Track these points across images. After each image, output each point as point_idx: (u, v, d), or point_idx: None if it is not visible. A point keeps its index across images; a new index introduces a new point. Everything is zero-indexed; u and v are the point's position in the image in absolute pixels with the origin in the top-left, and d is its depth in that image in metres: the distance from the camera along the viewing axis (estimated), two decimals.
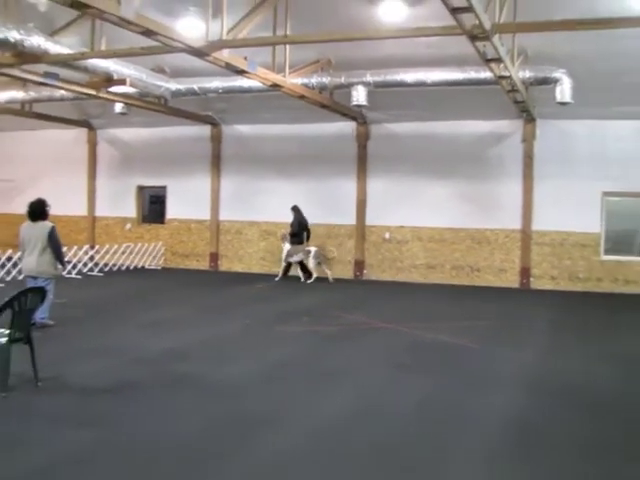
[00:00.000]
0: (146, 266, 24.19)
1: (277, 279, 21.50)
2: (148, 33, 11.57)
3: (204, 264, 24.61)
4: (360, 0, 14.15)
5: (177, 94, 19.03)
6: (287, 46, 15.37)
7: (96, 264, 22.72)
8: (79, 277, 20.82)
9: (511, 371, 10.40)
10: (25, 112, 22.12)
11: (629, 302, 18.49)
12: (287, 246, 21.42)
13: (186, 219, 24.98)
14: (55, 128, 25.34)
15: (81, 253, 21.97)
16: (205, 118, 23.33)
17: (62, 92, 19.16)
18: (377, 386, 9.49)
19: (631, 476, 6.33)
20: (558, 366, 10.79)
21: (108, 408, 8.11)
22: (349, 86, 17.62)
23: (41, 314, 11.97)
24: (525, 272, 20.80)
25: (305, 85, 17.35)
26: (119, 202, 25.84)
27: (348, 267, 22.70)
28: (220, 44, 12.86)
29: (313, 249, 21.23)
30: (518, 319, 15.45)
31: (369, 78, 17.36)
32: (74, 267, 21.10)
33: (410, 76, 17.05)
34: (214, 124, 24.01)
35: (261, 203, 22.98)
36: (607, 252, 20.29)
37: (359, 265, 22.56)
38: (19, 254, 13.23)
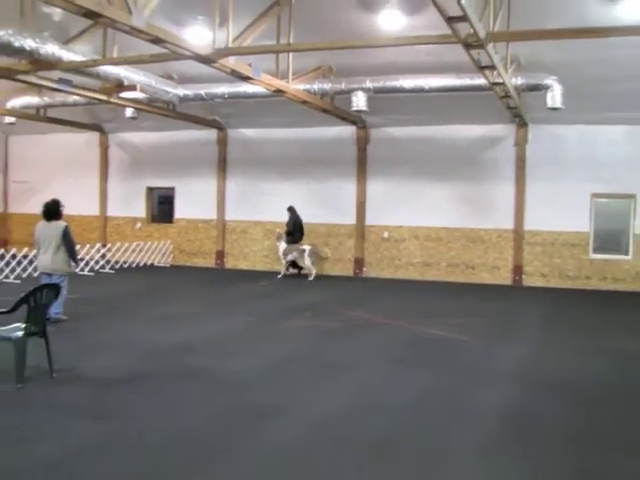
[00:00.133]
0: (155, 264, 24.21)
1: (279, 276, 21.52)
2: (157, 41, 11.58)
3: (210, 262, 24.63)
4: (360, 10, 14.18)
5: (185, 99, 19.07)
6: (290, 54, 15.40)
7: (107, 262, 22.75)
8: (91, 274, 20.83)
9: (506, 365, 10.40)
10: (40, 117, 22.16)
11: (616, 299, 18.50)
12: (283, 245, 21.47)
13: (193, 219, 24.99)
14: (68, 132, 25.37)
15: (93, 251, 22.00)
16: (211, 122, 23.33)
17: (75, 97, 19.22)
18: (377, 380, 9.48)
19: (622, 466, 6.32)
20: (551, 360, 10.81)
21: (120, 400, 8.13)
22: (349, 92, 17.63)
23: (55, 309, 12.01)
24: (517, 270, 20.80)
25: (307, 91, 17.36)
26: (129, 202, 25.88)
27: (348, 265, 22.73)
28: (226, 52, 12.87)
29: (307, 247, 21.27)
30: (512, 315, 15.45)
31: (369, 84, 17.37)
32: (87, 264, 21.10)
33: (408, 82, 17.06)
34: (220, 128, 24.01)
35: (265, 203, 23.00)
36: (596, 251, 20.30)
37: (359, 263, 22.57)
38: (34, 252, 13.24)
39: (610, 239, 20.45)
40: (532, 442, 6.88)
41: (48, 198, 13.02)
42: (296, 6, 13.80)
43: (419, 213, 21.72)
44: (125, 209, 26.03)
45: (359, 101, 17.56)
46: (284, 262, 21.68)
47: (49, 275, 12.42)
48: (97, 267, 21.84)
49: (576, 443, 6.90)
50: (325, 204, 22.71)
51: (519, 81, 16.10)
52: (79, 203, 24.72)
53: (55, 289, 9.23)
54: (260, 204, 23.30)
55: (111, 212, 26.36)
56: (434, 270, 21.76)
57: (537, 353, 11.36)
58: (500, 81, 14.46)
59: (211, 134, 24.27)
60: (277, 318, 14.09)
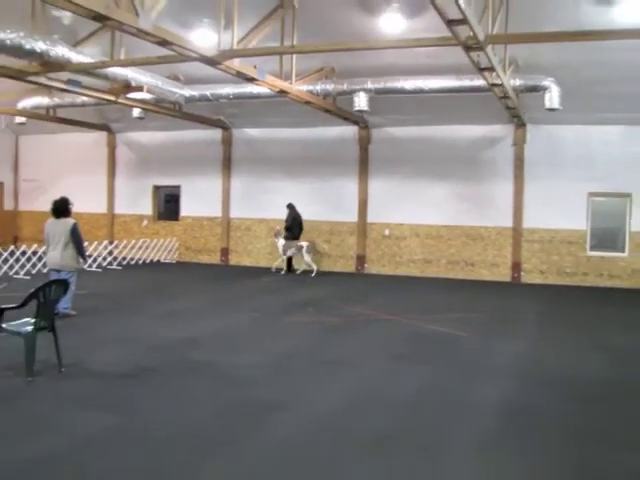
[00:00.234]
0: (161, 260, 24.25)
1: (282, 273, 21.58)
2: (164, 43, 11.61)
3: (215, 258, 24.67)
4: (362, 13, 14.18)
5: (191, 100, 19.10)
6: (294, 55, 15.40)
7: (115, 258, 22.79)
8: (99, 270, 20.88)
9: (504, 361, 10.42)
10: (49, 117, 22.21)
11: (613, 295, 18.51)
12: (281, 241, 21.53)
13: (199, 216, 25.03)
14: (77, 132, 25.41)
15: (101, 248, 22.04)
16: (217, 122, 23.35)
17: (84, 98, 19.28)
18: (378, 375, 9.49)
19: (619, 462, 6.34)
20: (549, 356, 10.81)
21: (126, 394, 8.16)
22: (351, 93, 17.64)
23: (64, 304, 12.05)
24: (516, 267, 20.81)
25: (310, 92, 17.37)
26: (136, 200, 25.93)
27: (350, 262, 22.76)
28: (231, 53, 12.89)
29: (305, 244, 21.32)
30: (510, 311, 15.45)
31: (370, 85, 17.38)
32: (94, 261, 21.16)
33: (409, 83, 17.07)
34: (225, 128, 24.03)
35: (269, 202, 23.01)
36: (592, 248, 20.30)
37: (360, 260, 22.59)
38: (44, 249, 13.27)
39: (607, 237, 20.45)
40: (530, 437, 6.90)
41: (57, 196, 13.07)
42: (299, 9, 13.81)
43: (420, 211, 21.73)
44: (132, 207, 26.08)
45: (361, 102, 17.58)
46: (284, 258, 21.74)
47: (58, 271, 12.45)
48: (105, 263, 21.89)
49: (574, 438, 6.92)
50: (328, 202, 22.75)
51: (517, 82, 16.12)
52: (87, 201, 24.75)
53: (64, 285, 9.26)
54: (264, 202, 23.33)
55: (118, 210, 26.41)
56: (434, 267, 21.78)
57: (535, 349, 11.37)
58: (499, 82, 14.47)
59: (216, 134, 24.29)
60: (280, 314, 14.11)
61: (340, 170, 22.50)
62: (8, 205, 28.17)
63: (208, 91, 18.76)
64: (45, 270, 14.98)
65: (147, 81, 16.76)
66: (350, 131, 22.32)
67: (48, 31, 13.36)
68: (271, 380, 9.02)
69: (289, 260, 21.84)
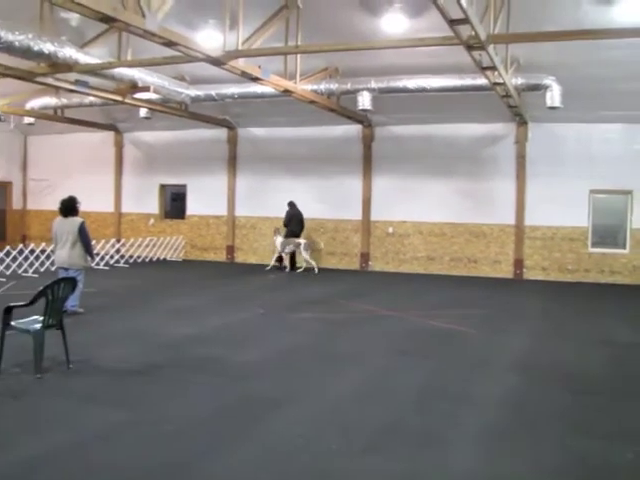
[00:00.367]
0: (168, 258, 24.28)
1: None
2: (170, 44, 11.62)
3: (221, 256, 24.69)
4: (365, 13, 14.17)
5: (196, 100, 19.11)
6: (298, 55, 15.42)
7: (122, 256, 22.83)
8: (107, 268, 20.92)
9: (507, 356, 10.43)
10: (57, 117, 22.26)
11: (614, 291, 18.49)
12: (279, 239, 21.58)
13: (205, 215, 25.04)
14: (84, 132, 25.46)
15: (108, 246, 22.09)
16: (222, 122, 23.37)
17: (91, 98, 19.30)
18: (383, 370, 9.51)
19: (621, 454, 6.34)
20: (551, 351, 10.83)
21: (134, 389, 8.19)
22: (355, 92, 17.63)
23: (72, 302, 12.06)
24: (518, 264, 20.80)
25: (314, 91, 17.37)
26: (143, 199, 25.96)
27: (354, 259, 22.77)
28: (236, 54, 12.90)
29: (303, 241, 21.36)
30: (512, 307, 15.46)
31: (373, 84, 17.37)
32: (102, 259, 21.20)
33: (412, 83, 17.05)
34: (230, 127, 24.05)
35: (274, 200, 22.96)
36: (594, 245, 20.28)
37: (364, 257, 22.60)
38: (52, 247, 13.30)
39: (608, 234, 20.43)
40: (533, 430, 6.91)
41: (65, 195, 13.09)
42: (304, 10, 13.82)
43: (423, 209, 21.73)
44: (139, 206, 26.11)
45: (364, 101, 17.56)
46: (283, 255, 21.80)
47: (66, 269, 12.48)
48: (112, 261, 21.93)
49: (577, 432, 6.92)
50: (332, 200, 22.76)
51: (519, 81, 16.09)
52: (95, 200, 24.78)
53: (72, 283, 9.28)
54: (269, 200, 23.32)
55: (125, 208, 26.44)
56: (437, 264, 21.77)
57: (538, 344, 11.38)
58: (501, 81, 14.46)
59: (222, 133, 24.30)
60: (285, 310, 14.12)
61: (344, 168, 22.49)
62: (17, 204, 28.22)
63: (213, 91, 18.76)
64: (53, 268, 15.00)
65: (153, 81, 16.77)
66: (354, 130, 22.32)
67: (56, 33, 13.39)
68: (277, 375, 9.03)
69: (292, 258, 21.85)
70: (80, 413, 7.17)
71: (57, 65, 13.90)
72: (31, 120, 22.71)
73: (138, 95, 18.06)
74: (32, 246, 20.34)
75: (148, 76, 16.49)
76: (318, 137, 22.89)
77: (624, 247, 20.02)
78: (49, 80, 15.72)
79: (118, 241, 24.38)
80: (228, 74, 14.53)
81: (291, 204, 21.88)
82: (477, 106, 18.75)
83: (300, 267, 21.69)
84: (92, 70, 14.63)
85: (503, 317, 14.05)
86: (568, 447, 6.50)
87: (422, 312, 14.14)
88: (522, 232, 20.70)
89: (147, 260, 23.43)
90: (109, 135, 26.21)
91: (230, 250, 24.53)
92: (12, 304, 8.79)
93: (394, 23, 14.20)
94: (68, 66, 13.95)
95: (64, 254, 12.53)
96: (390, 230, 22.26)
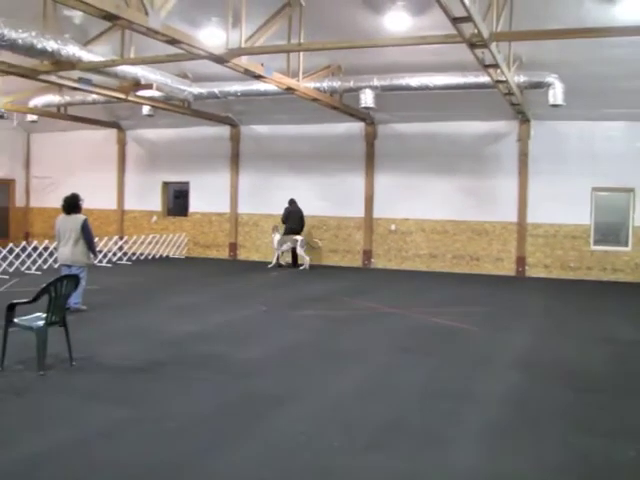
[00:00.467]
0: (170, 255, 24.30)
1: (270, 266, 21.65)
2: (173, 42, 11.62)
3: (224, 254, 24.70)
4: (368, 11, 14.15)
5: (199, 97, 19.09)
6: (300, 53, 15.41)
7: (125, 254, 22.87)
8: (109, 265, 20.93)
9: (510, 353, 10.43)
10: (61, 114, 22.26)
11: (616, 289, 18.48)
12: (277, 236, 21.64)
13: (207, 212, 25.06)
14: (87, 129, 25.51)
15: (111, 243, 22.13)
16: (225, 119, 23.38)
17: (94, 96, 19.30)
18: (386, 367, 9.51)
19: (622, 451, 6.34)
20: (552, 348, 10.82)
21: (137, 386, 8.20)
22: (358, 90, 17.62)
23: (75, 299, 12.10)
24: (520, 261, 20.80)
25: (317, 89, 17.37)
26: (146, 197, 25.98)
27: (357, 256, 22.77)
28: (239, 51, 12.90)
29: (300, 238, 21.38)
30: (515, 304, 15.45)
31: (376, 82, 17.35)
32: (105, 256, 21.21)
33: (414, 80, 17.03)
34: (233, 125, 24.06)
35: (276, 197, 22.93)
36: (596, 243, 20.27)
37: (367, 254, 22.60)
38: (55, 244, 13.31)
39: (610, 231, 20.43)
40: (535, 427, 6.91)
41: (68, 192, 13.11)
42: (306, 7, 13.80)
43: (425, 206, 21.74)
44: (142, 203, 26.13)
45: (367, 98, 17.55)
46: (277, 253, 21.87)
47: (69, 266, 12.49)
48: (115, 259, 21.95)
49: (579, 428, 6.92)
50: (335, 198, 22.77)
51: (522, 79, 16.08)
52: (98, 197, 24.89)
53: (75, 280, 9.29)
54: (272, 198, 23.30)
55: (128, 206, 26.46)
56: (440, 262, 21.77)
57: (540, 341, 11.37)
58: (503, 79, 14.44)
59: (224, 130, 24.31)
60: (288, 308, 14.13)
61: (347, 166, 22.50)
62: (20, 202, 28.25)
63: (216, 88, 18.75)
64: (56, 265, 15.02)
65: (156, 79, 16.77)
66: (356, 127, 22.31)
67: (59, 30, 13.40)
68: (280, 373, 9.03)
69: (294, 255, 21.85)
70: (83, 410, 7.18)
71: (60, 63, 13.90)
72: (34, 118, 22.72)
73: (141, 93, 18.08)
74: (35, 243, 20.35)
75: (151, 74, 16.50)
76: (321, 135, 22.89)
77: (626, 245, 20.00)
78: (52, 78, 15.72)
79: (121, 238, 24.41)
80: (231, 72, 14.52)
81: (291, 201, 21.89)
82: (480, 104, 18.75)
83: (302, 264, 21.69)
84: (95, 68, 14.64)
85: (505, 315, 14.05)
86: (570, 445, 6.49)
87: (424, 309, 14.14)
88: (524, 230, 20.69)
89: (150, 257, 23.44)
90: (112, 133, 26.23)
91: (233, 247, 24.54)
92: (15, 301, 8.82)
93: (397, 21, 14.18)
94: (71, 64, 13.96)
95: (67, 251, 12.54)
96: (392, 227, 22.26)
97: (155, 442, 6.36)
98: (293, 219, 21.74)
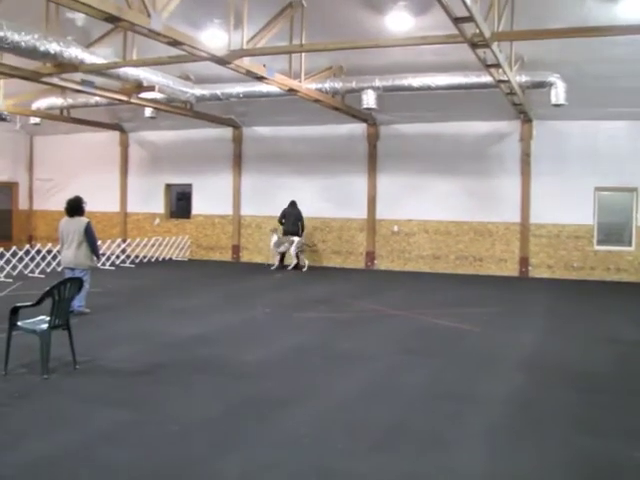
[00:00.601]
0: (173, 258, 24.29)
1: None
2: (175, 43, 11.60)
3: (227, 256, 24.68)
4: (369, 11, 14.14)
5: (201, 99, 19.08)
6: (302, 54, 15.39)
7: (128, 256, 22.84)
8: (113, 268, 20.92)
9: (512, 354, 10.40)
10: (63, 117, 22.27)
11: (620, 289, 18.44)
12: (274, 237, 21.66)
13: (210, 214, 25.04)
14: (90, 131, 25.49)
15: (114, 246, 22.08)
16: (227, 121, 23.36)
17: (97, 98, 19.29)
18: (390, 368, 9.49)
19: (623, 452, 6.33)
20: (556, 349, 10.81)
21: (140, 389, 8.19)
22: (360, 90, 17.58)
23: (78, 302, 12.09)
24: (524, 262, 20.76)
25: (319, 90, 17.34)
26: (149, 199, 25.96)
27: (360, 258, 22.75)
28: (241, 53, 12.88)
29: (296, 239, 21.37)
30: (518, 305, 15.43)
31: (378, 83, 17.32)
32: (108, 259, 21.21)
33: (416, 81, 16.99)
34: (235, 126, 24.04)
35: (279, 199, 22.88)
36: (600, 243, 20.23)
37: (370, 256, 22.58)
38: (58, 247, 13.31)
39: (613, 231, 20.39)
40: (539, 429, 6.90)
41: (71, 195, 13.11)
42: (308, 8, 13.80)
43: (428, 207, 21.70)
44: (144, 205, 26.11)
45: (369, 99, 17.52)
46: (276, 253, 21.88)
47: (72, 269, 12.50)
48: (118, 261, 21.95)
49: (582, 429, 6.91)
50: (337, 199, 22.75)
51: (523, 79, 16.04)
52: (101, 200, 24.91)
53: (78, 283, 9.28)
54: (274, 200, 23.23)
55: (131, 208, 26.44)
56: (443, 263, 21.74)
57: (544, 342, 11.36)
58: (505, 79, 14.42)
59: (227, 132, 24.30)
60: (291, 309, 14.11)
61: (349, 167, 22.49)
62: (23, 204, 28.25)
63: (218, 90, 18.74)
64: (59, 269, 15.04)
65: (158, 81, 16.76)
66: (359, 128, 22.29)
67: (62, 33, 13.40)
68: (283, 375, 9.02)
69: (297, 256, 21.84)
70: (86, 413, 7.16)
71: (63, 65, 13.91)
72: (37, 120, 22.71)
73: (143, 95, 18.06)
74: (38, 246, 20.35)
75: (153, 75, 16.48)
76: (323, 136, 22.88)
77: (630, 244, 19.95)
78: (55, 80, 15.71)
79: (124, 241, 24.39)
80: (233, 73, 14.52)
81: (291, 203, 21.85)
82: (482, 104, 18.71)
83: (303, 266, 21.68)
84: (98, 70, 14.63)
85: (509, 315, 14.02)
86: (574, 446, 6.48)
87: (428, 311, 14.11)
88: (527, 230, 20.66)
89: (153, 260, 23.43)
90: (114, 135, 26.22)
91: (235, 249, 24.52)
92: (19, 304, 8.82)
93: (399, 21, 14.16)
94: (74, 66, 13.95)
95: (70, 254, 12.54)
96: (395, 229, 22.24)
97: (158, 445, 6.35)
98: (289, 221, 21.72)
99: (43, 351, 8.45)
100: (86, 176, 25.78)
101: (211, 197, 24.87)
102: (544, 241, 20.57)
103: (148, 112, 21.13)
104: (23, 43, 12.28)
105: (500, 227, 21.05)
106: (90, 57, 13.91)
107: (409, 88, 17.22)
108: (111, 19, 10.21)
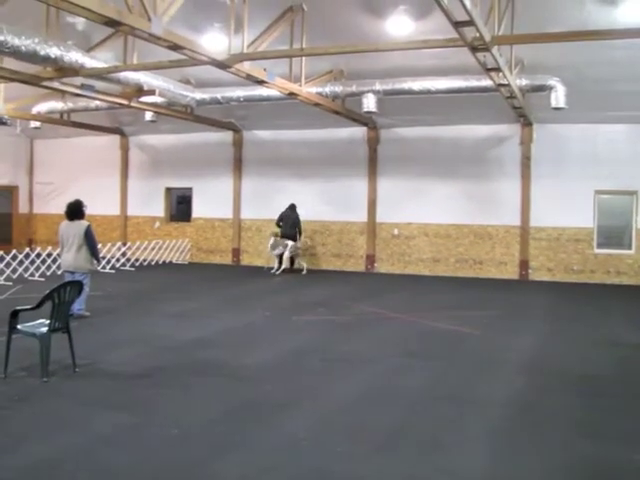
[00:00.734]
0: (174, 261, 24.30)
1: (273, 271, 21.61)
2: (176, 47, 11.63)
3: (227, 259, 24.68)
4: (370, 15, 14.18)
5: (202, 103, 19.11)
6: (303, 58, 15.41)
7: (128, 259, 22.84)
8: (113, 271, 20.91)
9: (513, 357, 10.39)
10: (64, 121, 22.29)
11: (620, 292, 18.43)
12: (271, 240, 21.69)
13: (210, 218, 25.05)
14: (90, 135, 25.48)
15: (114, 249, 22.10)
16: (227, 125, 23.38)
17: (97, 102, 19.36)
18: (390, 371, 9.48)
19: (623, 455, 6.33)
20: (556, 351, 10.82)
21: (140, 392, 8.18)
22: (360, 94, 17.61)
23: (78, 306, 12.08)
24: (524, 265, 20.76)
25: (319, 94, 17.37)
26: (149, 202, 25.96)
27: (360, 261, 22.75)
28: (241, 57, 12.91)
29: (290, 243, 21.36)
30: (518, 308, 15.41)
31: (378, 87, 17.35)
32: (108, 262, 21.21)
33: (416, 85, 17.02)
34: (236, 130, 24.05)
35: (279, 202, 22.86)
36: (599, 246, 20.23)
37: (370, 259, 22.58)
38: (58, 251, 13.31)
39: (613, 234, 20.39)
40: (540, 432, 6.88)
41: (71, 198, 13.12)
42: (309, 12, 13.83)
43: (428, 210, 21.71)
44: (145, 209, 26.10)
45: (369, 103, 17.55)
46: (273, 256, 21.88)
47: (72, 273, 12.50)
48: (118, 265, 21.95)
49: (584, 433, 6.90)
50: (337, 202, 22.75)
51: (523, 82, 16.08)
52: (101, 203, 24.92)
53: (78, 286, 9.27)
54: (274, 203, 23.20)
55: (131, 212, 26.43)
56: (443, 266, 21.74)
57: (544, 345, 11.36)
58: (505, 82, 14.44)
59: (227, 136, 24.31)
60: (291, 312, 14.10)
61: (349, 171, 22.50)
62: (23, 208, 28.26)
63: (219, 94, 18.77)
64: (59, 272, 15.02)
65: (159, 85, 16.79)
66: (359, 132, 22.30)
67: (62, 37, 13.44)
68: (283, 378, 9.01)
69: (291, 259, 21.81)
70: (86, 417, 7.16)
71: (63, 69, 13.93)
72: (37, 124, 22.76)
73: (144, 98, 18.08)
74: (38, 250, 20.34)
75: (153, 79, 16.52)
76: (323, 139, 22.89)
77: (630, 248, 19.96)
78: (55, 84, 15.74)
79: (124, 244, 24.41)
80: (233, 77, 14.54)
81: (290, 206, 21.83)
82: (482, 108, 18.74)
83: (302, 269, 21.67)
84: (98, 74, 14.67)
85: (509, 319, 14.01)
86: (574, 449, 6.47)
87: (428, 314, 14.11)
88: (527, 233, 20.66)
89: (153, 263, 23.43)
90: (115, 138, 26.23)
91: (236, 253, 24.52)
92: (18, 308, 8.81)
93: (399, 25, 14.21)
94: (74, 70, 13.98)
95: (70, 258, 12.54)
96: (395, 232, 22.24)
97: (158, 448, 6.34)
98: (286, 224, 21.70)
99: (43, 354, 8.44)
100: (86, 180, 25.77)
101: (211, 200, 24.88)
102: (544, 244, 20.58)
103: (148, 116, 21.14)
104: (23, 47, 12.31)
105: (500, 230, 21.05)
106: (90, 61, 13.95)
107: (409, 92, 17.26)
108: (111, 23, 10.24)
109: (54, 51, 13.00)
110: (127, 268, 21.98)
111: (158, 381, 8.72)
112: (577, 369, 9.62)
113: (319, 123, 21.76)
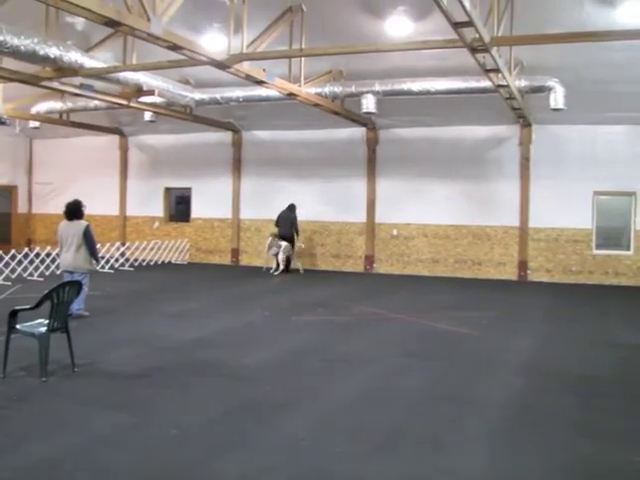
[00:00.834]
0: (173, 261, 24.29)
1: (273, 271, 21.60)
2: (175, 48, 11.62)
3: (226, 259, 24.67)
4: (369, 16, 14.18)
5: (201, 103, 19.10)
6: (302, 59, 15.41)
7: (127, 259, 22.83)
8: (112, 271, 20.90)
9: (512, 358, 10.39)
10: (63, 121, 22.28)
11: (618, 293, 18.44)
12: (269, 240, 21.66)
13: (209, 218, 25.04)
14: (89, 135, 25.48)
15: (113, 249, 22.09)
16: (227, 125, 23.38)
17: (96, 102, 19.35)
18: (389, 372, 9.48)
19: (622, 456, 6.33)
20: (554, 352, 10.83)
21: (139, 392, 8.18)
22: (359, 95, 17.61)
23: (77, 305, 12.08)
24: (522, 265, 20.76)
25: (319, 94, 17.37)
26: (148, 202, 25.94)
27: (359, 262, 22.75)
28: (241, 57, 12.90)
29: (284, 244, 21.35)
30: (517, 309, 15.41)
31: (378, 87, 17.34)
32: (107, 262, 21.19)
33: (416, 85, 17.02)
34: (235, 130, 24.05)
35: (278, 203, 22.85)
36: (598, 247, 20.23)
37: (369, 259, 22.58)
38: (57, 251, 13.31)
39: (612, 235, 20.40)
40: (539, 433, 6.88)
41: (70, 198, 13.11)
42: (308, 13, 13.83)
43: (427, 211, 21.70)
44: (144, 209, 26.09)
45: (368, 103, 17.54)
46: (271, 256, 21.86)
47: (71, 273, 12.49)
48: (117, 265, 21.94)
49: (583, 434, 6.91)
50: (336, 203, 22.74)
51: (523, 83, 16.09)
52: (100, 203, 24.94)
53: (77, 286, 9.27)
54: (274, 203, 23.19)
55: (130, 212, 26.42)
56: (442, 266, 21.74)
57: (543, 345, 11.36)
58: (504, 83, 14.44)
59: (226, 136, 24.31)
60: (290, 313, 14.09)
61: (348, 171, 22.49)
62: (22, 208, 28.25)
63: (218, 94, 18.77)
64: (58, 272, 15.01)
65: (158, 85, 16.78)
66: (358, 132, 22.30)
67: (61, 37, 13.43)
68: (282, 378, 9.01)
69: (287, 259, 21.78)
70: (85, 417, 7.15)
71: (62, 69, 13.92)
72: (36, 124, 22.74)
73: (143, 99, 18.07)
74: (37, 249, 20.34)
75: (153, 80, 16.51)
76: (322, 140, 22.88)
77: (628, 249, 19.97)
78: (54, 84, 15.73)
79: (123, 244, 24.41)
80: (233, 77, 14.54)
81: (289, 207, 21.80)
82: (481, 108, 18.75)
83: (298, 269, 21.67)
84: (97, 74, 14.66)
85: (507, 319, 14.01)
86: (573, 450, 6.47)
87: (427, 314, 14.10)
88: (526, 234, 20.66)
89: (152, 263, 23.42)
90: (114, 139, 26.22)
91: (235, 253, 24.52)
92: (17, 307, 8.80)
93: (398, 26, 14.21)
94: (73, 70, 13.97)
95: (69, 257, 12.53)
96: (394, 232, 22.24)
97: (157, 448, 6.34)
98: (284, 224, 21.69)
99: (42, 354, 8.44)
100: (85, 179, 25.76)
101: (210, 201, 24.87)
102: (543, 245, 20.58)
103: (148, 116, 21.13)
104: (23, 47, 12.30)
105: (499, 231, 21.05)
106: (90, 61, 13.94)
107: (409, 92, 17.26)
108: (111, 23, 10.23)
109: (53, 51, 13.00)
110: (126, 268, 21.98)
111: (157, 381, 8.72)
112: (576, 370, 9.63)
113: (318, 123, 21.76)
